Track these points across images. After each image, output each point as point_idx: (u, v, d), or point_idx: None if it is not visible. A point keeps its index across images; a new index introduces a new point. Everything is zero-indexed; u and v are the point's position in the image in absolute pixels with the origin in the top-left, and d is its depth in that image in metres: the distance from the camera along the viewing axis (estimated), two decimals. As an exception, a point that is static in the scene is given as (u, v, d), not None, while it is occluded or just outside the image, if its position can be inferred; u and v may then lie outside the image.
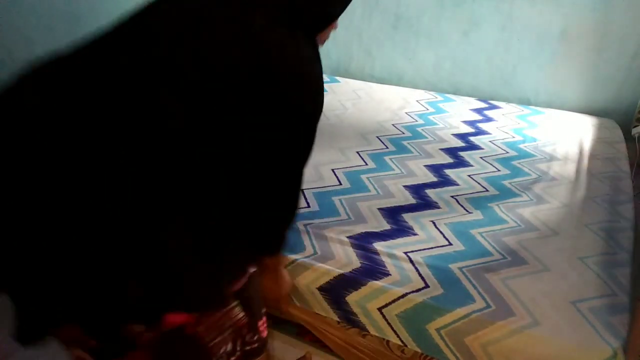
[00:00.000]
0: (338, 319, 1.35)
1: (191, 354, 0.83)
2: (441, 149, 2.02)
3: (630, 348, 1.08)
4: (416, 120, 2.31)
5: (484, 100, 2.60)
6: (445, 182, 1.77)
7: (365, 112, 2.38)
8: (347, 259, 1.36)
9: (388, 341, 1.30)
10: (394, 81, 2.93)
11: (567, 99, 2.54)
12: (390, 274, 1.30)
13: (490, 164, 1.90)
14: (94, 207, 0.66)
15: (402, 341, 1.28)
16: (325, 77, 2.84)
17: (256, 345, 0.92)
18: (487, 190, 1.72)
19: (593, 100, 2.48)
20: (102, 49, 0.69)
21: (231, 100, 0.71)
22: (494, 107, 2.51)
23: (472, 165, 1.89)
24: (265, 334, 0.96)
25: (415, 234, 1.46)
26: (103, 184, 0.66)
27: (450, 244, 1.42)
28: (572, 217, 1.56)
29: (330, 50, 3.03)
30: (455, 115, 2.39)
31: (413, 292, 1.25)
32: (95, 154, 0.66)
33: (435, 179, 1.78)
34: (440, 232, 1.47)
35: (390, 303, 1.25)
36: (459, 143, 2.09)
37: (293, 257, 1.36)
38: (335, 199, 1.63)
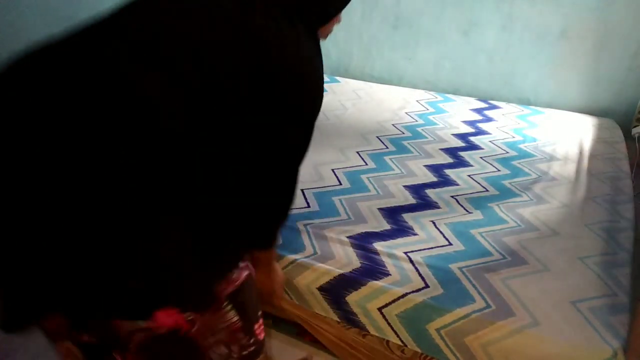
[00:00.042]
0: (338, 319, 1.35)
1: (186, 357, 0.82)
2: (441, 149, 2.02)
3: (630, 348, 1.08)
4: (416, 120, 2.31)
5: (484, 100, 2.60)
6: (445, 182, 1.77)
7: (365, 112, 2.38)
8: (347, 259, 1.36)
9: (388, 341, 1.30)
10: (394, 81, 2.93)
11: (567, 99, 2.54)
12: (390, 274, 1.30)
13: (490, 164, 1.90)
14: (85, 200, 0.66)
15: (402, 341, 1.28)
16: (325, 77, 2.84)
17: (253, 348, 0.91)
18: (487, 190, 1.72)
19: (593, 100, 2.48)
20: (98, 45, 0.68)
21: (231, 100, 0.71)
22: (494, 107, 2.51)
23: (472, 165, 1.89)
24: (262, 336, 0.95)
25: (415, 234, 1.46)
26: (94, 178, 0.66)
27: (450, 244, 1.42)
28: (572, 217, 1.56)
29: (330, 50, 3.03)
30: (455, 115, 2.39)
31: (413, 292, 1.25)
32: (89, 148, 0.65)
33: (435, 179, 1.78)
34: (440, 232, 1.47)
35: (390, 303, 1.25)
36: (459, 143, 2.09)
37: (293, 257, 1.36)
38: (335, 199, 1.63)
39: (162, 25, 0.69)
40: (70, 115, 0.65)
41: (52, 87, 0.65)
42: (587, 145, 2.08)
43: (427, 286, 1.26)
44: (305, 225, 1.48)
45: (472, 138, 2.14)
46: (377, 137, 2.10)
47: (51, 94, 0.65)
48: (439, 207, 1.60)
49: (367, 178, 1.77)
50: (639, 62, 2.31)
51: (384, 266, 1.33)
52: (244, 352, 0.90)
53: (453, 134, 2.17)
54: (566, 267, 1.32)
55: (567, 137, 2.16)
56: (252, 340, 0.91)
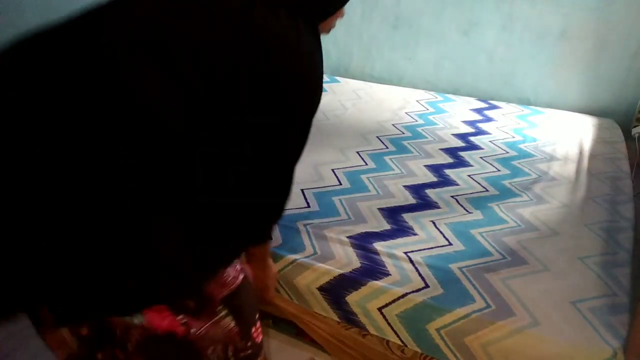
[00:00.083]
0: (338, 319, 1.35)
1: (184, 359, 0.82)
2: (441, 149, 2.02)
3: (630, 348, 1.08)
4: (416, 120, 2.31)
5: (484, 100, 2.60)
6: (445, 182, 1.76)
7: (365, 112, 2.38)
8: (347, 259, 1.36)
9: (388, 341, 1.30)
10: (394, 81, 2.93)
11: (567, 99, 2.54)
12: (390, 274, 1.30)
13: (490, 164, 1.90)
14: (84, 199, 0.66)
15: (402, 341, 1.28)
16: (325, 77, 2.85)
17: (250, 351, 0.91)
18: (487, 190, 1.72)
19: (593, 100, 2.48)
20: (98, 46, 0.67)
21: (231, 100, 0.71)
22: (494, 107, 2.51)
23: (472, 165, 1.89)
24: (259, 339, 0.95)
25: (415, 234, 1.46)
26: (94, 178, 0.65)
27: (450, 244, 1.42)
28: (572, 217, 1.56)
29: (330, 50, 3.03)
30: (455, 115, 2.39)
31: (413, 292, 1.25)
32: (89, 149, 0.65)
33: (435, 179, 1.78)
34: (440, 232, 1.47)
35: (390, 303, 1.25)
36: (459, 143, 2.09)
37: (293, 257, 1.36)
38: (335, 199, 1.63)
39: (162, 26, 0.69)
40: (70, 116, 0.65)
41: (51, 88, 0.65)
42: (587, 145, 2.08)
43: (427, 286, 1.26)
44: (305, 225, 1.48)
45: (472, 138, 2.14)
46: (377, 137, 2.10)
47: (50, 95, 0.64)
48: (439, 207, 1.60)
49: (367, 178, 1.77)
50: (639, 62, 2.31)
51: (384, 266, 1.33)
52: (242, 355, 0.89)
53: (453, 134, 2.17)
54: (566, 267, 1.32)
55: (567, 137, 2.16)
56: (249, 344, 0.91)
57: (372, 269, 1.32)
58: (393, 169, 1.84)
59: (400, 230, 1.48)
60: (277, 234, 1.44)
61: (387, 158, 1.92)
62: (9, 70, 0.66)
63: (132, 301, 0.73)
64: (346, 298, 1.30)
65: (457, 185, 1.75)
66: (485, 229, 1.49)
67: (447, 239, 1.44)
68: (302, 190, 1.65)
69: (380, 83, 2.88)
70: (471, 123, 2.30)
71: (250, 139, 0.75)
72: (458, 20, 2.62)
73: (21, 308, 0.74)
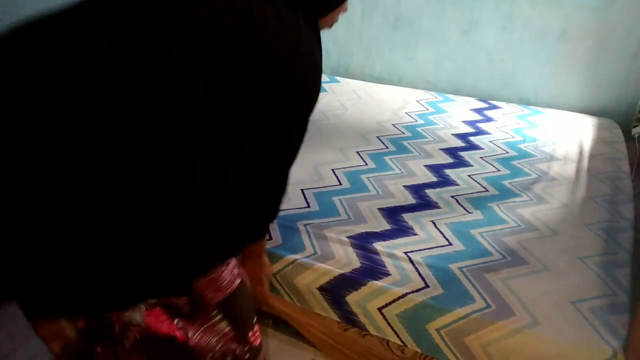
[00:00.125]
0: (338, 319, 1.35)
1: None
2: (441, 149, 2.02)
3: (630, 348, 1.08)
4: (416, 120, 2.31)
5: (484, 100, 2.60)
6: (445, 182, 1.77)
7: (365, 112, 2.38)
8: (347, 259, 1.36)
9: (388, 341, 1.30)
10: (394, 81, 2.93)
11: (567, 99, 2.54)
12: (390, 274, 1.30)
13: (490, 164, 1.90)
14: (83, 199, 0.65)
15: (402, 341, 1.28)
16: (325, 77, 2.85)
17: (247, 355, 0.91)
18: (487, 190, 1.72)
19: (593, 100, 2.48)
20: (98, 46, 0.66)
21: (231, 101, 0.71)
22: (494, 107, 2.51)
23: (472, 165, 1.89)
24: (257, 343, 0.94)
25: (415, 234, 1.46)
26: (94, 178, 0.65)
27: (450, 244, 1.42)
28: (572, 217, 1.56)
29: (330, 50, 3.03)
30: (455, 115, 2.39)
31: (413, 292, 1.25)
32: (89, 149, 0.65)
33: (435, 179, 1.78)
34: (440, 232, 1.47)
35: (390, 303, 1.25)
36: (459, 143, 2.09)
37: (293, 257, 1.36)
38: (335, 199, 1.63)
39: (163, 25, 0.69)
40: (70, 116, 0.64)
41: (50, 89, 0.64)
42: (587, 145, 2.08)
43: (427, 286, 1.26)
44: (305, 225, 1.48)
45: (472, 138, 2.14)
46: (377, 137, 2.10)
47: (50, 95, 0.64)
48: (439, 207, 1.60)
49: (367, 178, 1.77)
50: (639, 62, 2.31)
51: (384, 266, 1.33)
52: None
53: (453, 134, 2.17)
54: (566, 267, 1.32)
55: (567, 137, 2.16)
56: (246, 348, 0.90)
57: (372, 269, 1.32)
58: (393, 169, 1.84)
59: (400, 230, 1.48)
60: (276, 234, 1.44)
61: (387, 158, 1.92)
62: (6, 69, 0.65)
63: (127, 296, 0.73)
64: (346, 298, 1.30)
65: (457, 185, 1.75)
66: (485, 229, 1.49)
67: (447, 239, 1.44)
68: (302, 190, 1.65)
69: (380, 83, 2.88)
70: (471, 123, 2.30)
71: (250, 139, 0.75)
72: (458, 20, 2.62)
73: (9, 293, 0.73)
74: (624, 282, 1.28)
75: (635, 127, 2.28)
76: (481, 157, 1.96)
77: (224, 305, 0.85)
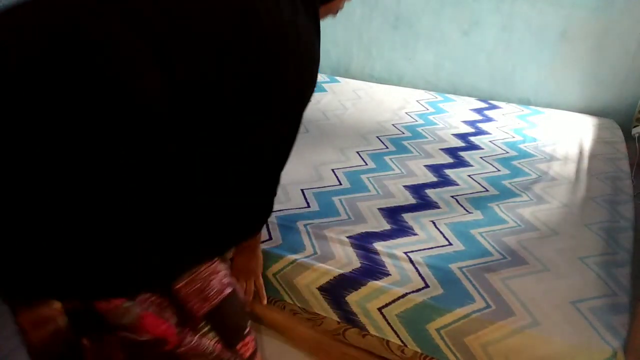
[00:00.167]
0: (338, 319, 1.35)
1: None
2: (441, 149, 2.02)
3: (630, 348, 1.08)
4: (416, 120, 2.31)
5: (484, 100, 2.60)
6: (445, 182, 1.76)
7: (365, 112, 2.38)
8: (347, 259, 1.36)
9: (388, 341, 1.30)
10: (394, 81, 2.93)
11: (567, 99, 2.54)
12: (390, 274, 1.30)
13: (490, 164, 1.90)
14: (82, 199, 0.65)
15: (402, 341, 1.28)
16: (325, 77, 2.85)
17: None
18: (487, 190, 1.72)
19: (593, 100, 2.48)
20: (98, 46, 0.65)
21: (231, 101, 0.71)
22: (494, 107, 2.51)
23: (472, 165, 1.89)
24: (247, 354, 0.91)
25: (415, 234, 1.46)
26: (94, 178, 0.65)
27: (450, 244, 1.42)
28: (572, 217, 1.56)
29: (330, 50, 3.03)
30: (455, 115, 2.39)
31: (413, 292, 1.25)
32: (89, 149, 0.64)
33: (435, 179, 1.78)
34: (440, 232, 1.47)
35: (390, 303, 1.25)
36: (459, 143, 2.09)
37: (293, 257, 1.36)
38: (335, 199, 1.63)
39: (163, 25, 0.69)
40: (71, 116, 0.64)
41: (50, 89, 0.64)
42: (587, 145, 2.08)
43: (427, 286, 1.26)
44: (305, 225, 1.48)
45: (472, 138, 2.14)
46: (377, 137, 2.10)
47: (50, 96, 0.64)
48: (439, 207, 1.60)
49: (367, 178, 1.77)
50: (639, 63, 2.31)
51: (384, 266, 1.33)
52: None
53: (453, 134, 2.17)
54: (566, 267, 1.32)
55: (567, 137, 2.16)
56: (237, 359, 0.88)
57: (372, 269, 1.32)
58: (393, 169, 1.84)
59: (400, 230, 1.48)
60: (276, 234, 1.44)
61: (387, 158, 1.92)
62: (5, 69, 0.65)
63: (120, 287, 0.73)
64: (346, 298, 1.30)
65: (457, 185, 1.75)
66: (485, 229, 1.49)
67: (447, 239, 1.44)
68: (302, 190, 1.66)
69: (380, 83, 2.88)
70: (471, 123, 2.30)
71: (249, 139, 0.75)
72: (458, 20, 2.62)
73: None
74: (624, 282, 1.28)
75: (635, 127, 2.28)
76: (481, 157, 1.96)
77: (211, 316, 0.83)
